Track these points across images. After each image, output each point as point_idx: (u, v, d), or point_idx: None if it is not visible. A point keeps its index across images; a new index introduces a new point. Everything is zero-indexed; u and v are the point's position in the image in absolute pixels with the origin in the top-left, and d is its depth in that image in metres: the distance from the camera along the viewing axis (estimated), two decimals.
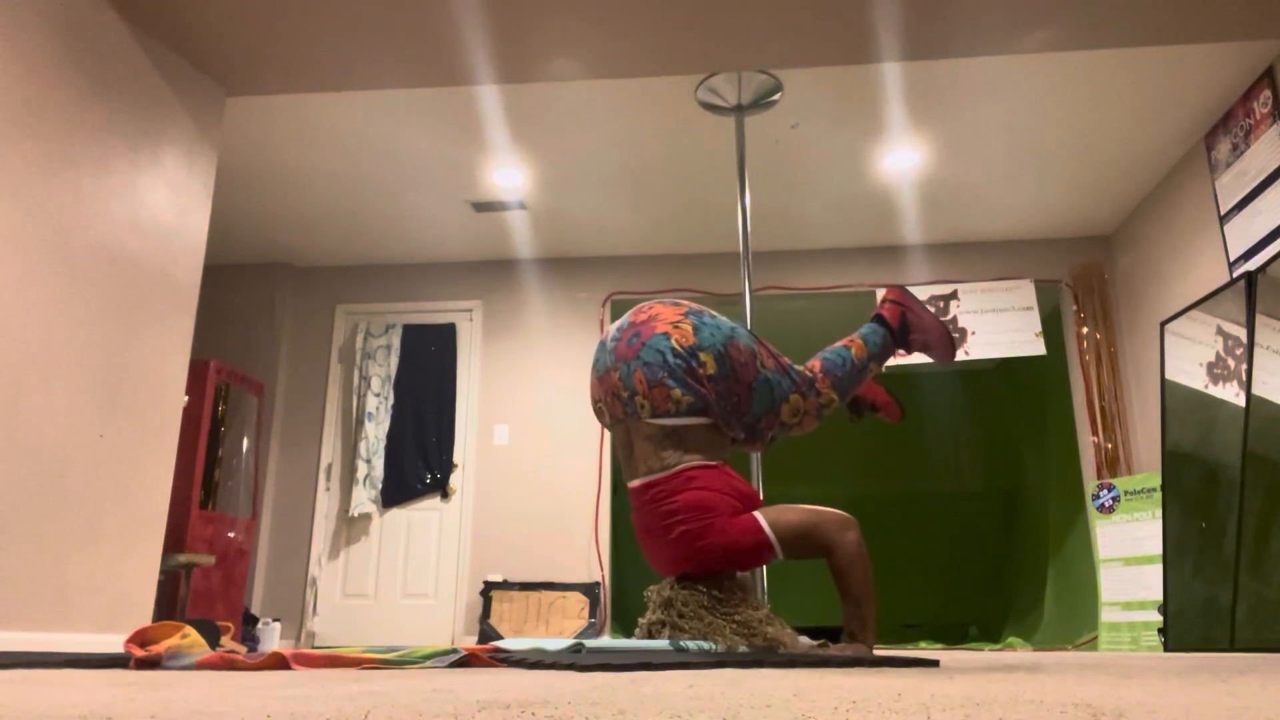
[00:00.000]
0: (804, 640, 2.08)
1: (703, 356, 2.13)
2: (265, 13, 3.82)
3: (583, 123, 4.54)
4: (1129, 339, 5.50)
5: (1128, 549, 4.83)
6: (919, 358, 5.63)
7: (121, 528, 3.38)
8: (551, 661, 1.48)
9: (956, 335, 5.61)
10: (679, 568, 2.12)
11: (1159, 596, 4.20)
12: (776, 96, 4.26)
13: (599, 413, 2.28)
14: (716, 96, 4.25)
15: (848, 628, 2.08)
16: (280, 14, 3.83)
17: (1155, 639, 4.48)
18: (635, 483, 2.18)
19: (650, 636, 2.04)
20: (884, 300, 2.54)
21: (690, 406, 2.11)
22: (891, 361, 5.57)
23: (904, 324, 2.47)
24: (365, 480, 5.82)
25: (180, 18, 3.77)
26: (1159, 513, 4.39)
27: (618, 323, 2.29)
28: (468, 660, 1.57)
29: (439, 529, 5.75)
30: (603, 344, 2.27)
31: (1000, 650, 4.98)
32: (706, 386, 2.12)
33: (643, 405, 2.12)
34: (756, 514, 2.09)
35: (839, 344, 2.40)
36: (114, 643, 3.10)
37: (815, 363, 2.33)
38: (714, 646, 1.92)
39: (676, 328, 2.16)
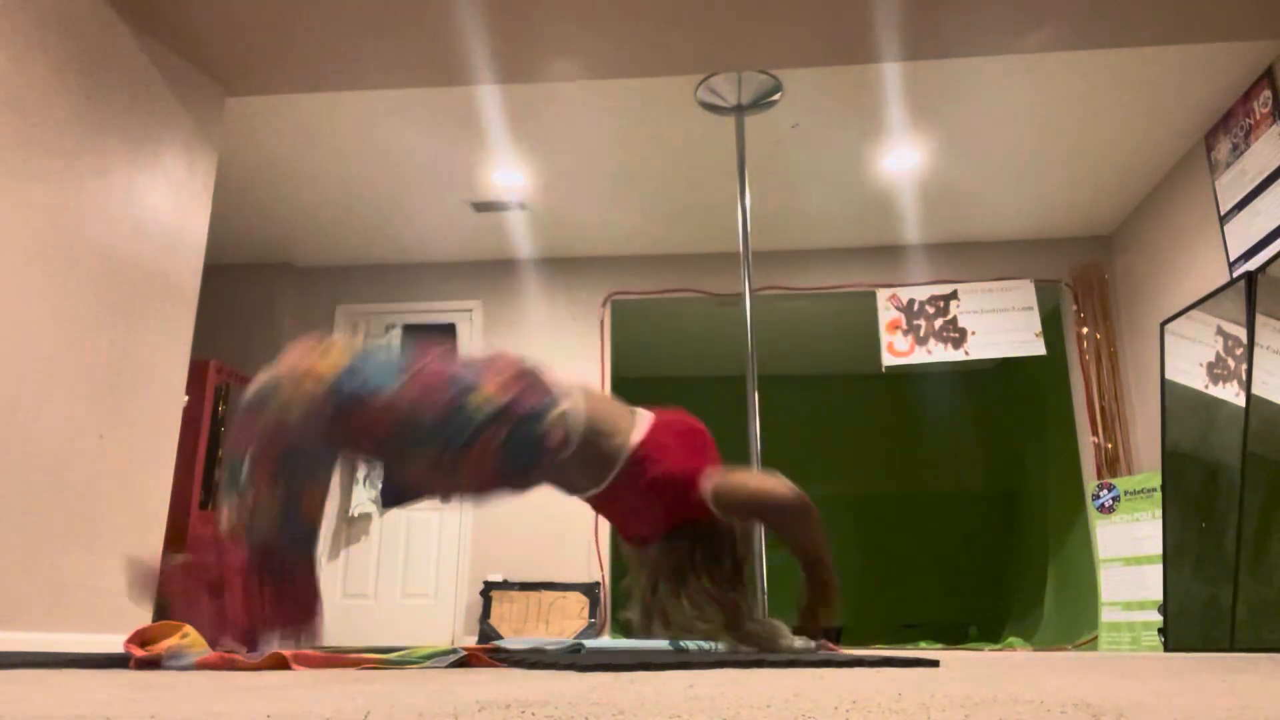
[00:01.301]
0: (802, 641, 2.08)
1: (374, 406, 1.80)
2: (265, 13, 3.81)
3: (583, 123, 4.54)
4: (1129, 339, 5.50)
5: (1128, 549, 4.83)
6: (919, 356, 5.66)
7: (121, 528, 3.38)
8: (551, 661, 1.48)
9: (956, 335, 5.60)
10: (657, 523, 2.06)
11: (1159, 596, 4.20)
12: (776, 96, 4.26)
13: None
14: (716, 96, 4.25)
15: (807, 602, 1.97)
16: (280, 14, 3.83)
17: (1155, 639, 4.48)
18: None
19: (643, 616, 2.01)
20: None
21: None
22: (891, 361, 5.65)
23: None
24: (365, 480, 5.82)
25: (180, 18, 3.77)
26: (1159, 513, 4.39)
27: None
28: (468, 660, 1.57)
29: (439, 529, 5.75)
30: None
31: (1000, 650, 4.98)
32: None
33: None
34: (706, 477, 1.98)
35: None
36: (114, 643, 3.09)
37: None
38: (714, 647, 1.91)
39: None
